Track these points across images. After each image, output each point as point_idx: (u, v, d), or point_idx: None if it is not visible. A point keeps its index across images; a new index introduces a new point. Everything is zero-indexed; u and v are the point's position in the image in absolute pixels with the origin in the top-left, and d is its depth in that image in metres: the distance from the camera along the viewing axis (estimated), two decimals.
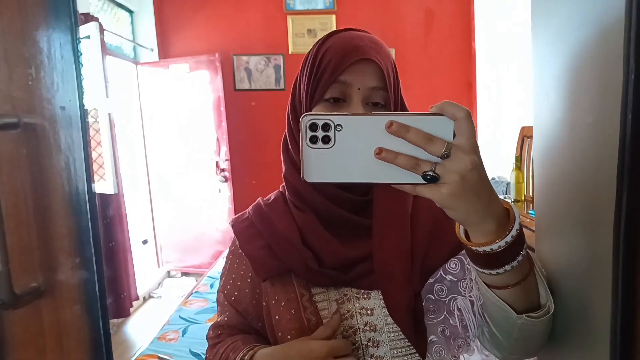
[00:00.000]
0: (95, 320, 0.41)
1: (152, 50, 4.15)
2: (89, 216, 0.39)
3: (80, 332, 0.41)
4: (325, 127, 0.50)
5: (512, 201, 2.76)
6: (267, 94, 4.29)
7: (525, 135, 2.98)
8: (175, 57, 4.15)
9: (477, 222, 0.51)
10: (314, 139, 0.50)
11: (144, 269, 4.11)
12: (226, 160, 4.03)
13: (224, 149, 4.01)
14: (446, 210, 0.51)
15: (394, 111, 0.70)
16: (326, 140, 0.50)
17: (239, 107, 4.22)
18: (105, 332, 0.41)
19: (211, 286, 2.83)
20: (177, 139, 4.11)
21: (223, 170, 4.04)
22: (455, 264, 0.68)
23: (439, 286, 0.69)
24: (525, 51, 2.81)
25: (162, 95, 4.09)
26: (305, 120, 0.50)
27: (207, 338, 0.82)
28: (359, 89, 0.67)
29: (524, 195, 2.76)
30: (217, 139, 4.03)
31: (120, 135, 3.31)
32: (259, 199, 0.81)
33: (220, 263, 3.28)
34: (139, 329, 3.37)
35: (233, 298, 0.80)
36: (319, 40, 0.72)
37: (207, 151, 4.05)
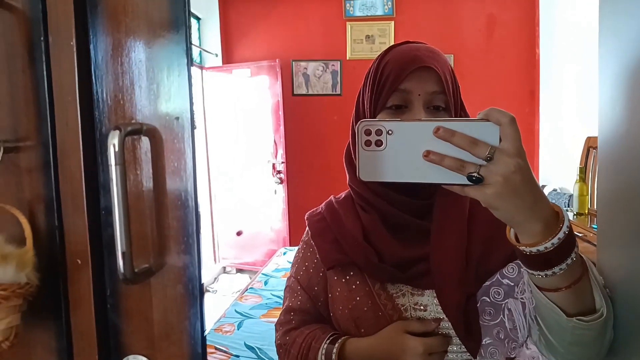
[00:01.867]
0: (194, 299, 0.48)
1: (216, 55, 4.36)
2: (194, 210, 0.46)
3: (181, 307, 0.48)
4: (378, 132, 0.55)
5: (574, 214, 2.66)
6: (323, 99, 4.38)
7: (591, 146, 2.86)
8: (238, 62, 4.34)
9: (523, 222, 0.53)
10: (368, 143, 0.56)
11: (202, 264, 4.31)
12: (282, 162, 4.15)
13: (281, 151, 4.14)
14: (492, 210, 0.54)
15: (454, 114, 0.75)
16: (379, 143, 0.55)
17: (296, 112, 4.33)
18: (201, 309, 0.48)
19: (265, 283, 2.94)
20: (237, 141, 4.29)
21: (279, 172, 4.17)
22: (513, 269, 0.71)
23: (496, 289, 0.71)
24: (592, 59, 2.70)
25: (225, 99, 4.28)
26: (360, 126, 0.56)
27: (277, 324, 0.87)
28: (419, 95, 0.71)
29: (588, 209, 2.64)
30: (275, 142, 4.16)
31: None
32: (332, 197, 0.88)
33: (275, 261, 3.40)
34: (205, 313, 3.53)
35: (306, 284, 0.85)
36: (379, 54, 0.78)
37: (265, 153, 4.20)
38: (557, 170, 3.46)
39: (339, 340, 0.76)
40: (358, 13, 4.25)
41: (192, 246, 0.47)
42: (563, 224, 0.53)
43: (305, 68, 4.39)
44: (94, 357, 0.49)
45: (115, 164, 0.42)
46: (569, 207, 2.99)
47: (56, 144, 0.47)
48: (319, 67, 4.38)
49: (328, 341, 0.76)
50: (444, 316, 0.73)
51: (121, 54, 0.45)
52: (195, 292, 0.47)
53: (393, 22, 4.20)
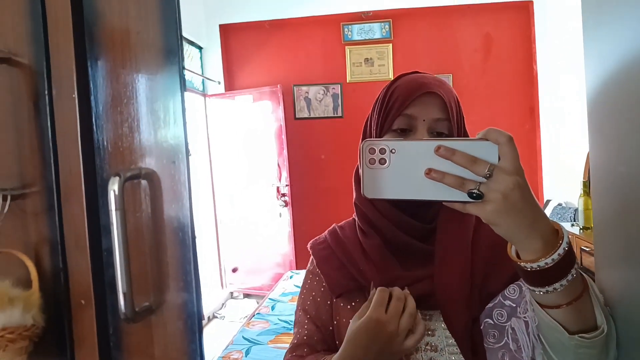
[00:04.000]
0: (193, 334, 0.50)
1: (219, 83, 4.44)
2: (191, 249, 0.48)
3: (182, 343, 0.50)
4: (382, 150, 0.58)
5: (580, 228, 2.65)
6: (325, 122, 4.43)
7: None
8: (240, 88, 4.42)
9: (523, 238, 0.55)
10: (372, 161, 0.58)
11: (209, 290, 4.31)
12: (286, 185, 4.18)
13: (285, 174, 4.17)
14: (492, 227, 0.55)
15: None
16: (382, 162, 0.58)
17: (299, 135, 4.38)
18: (201, 345, 0.50)
19: (272, 308, 2.93)
20: (241, 166, 4.33)
21: (284, 195, 4.19)
22: (514, 290, 0.71)
23: (499, 311, 0.72)
24: None
25: (228, 125, 4.35)
26: (365, 145, 0.59)
27: None
28: (423, 120, 0.74)
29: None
30: (279, 165, 4.20)
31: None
32: (334, 225, 0.89)
33: (281, 285, 3.38)
34: (204, 348, 3.51)
35: (314, 313, 0.84)
36: (390, 82, 0.81)
37: (269, 177, 4.23)
38: (561, 185, 3.46)
39: None
40: (356, 37, 4.33)
41: (191, 283, 0.49)
42: (562, 241, 0.54)
43: (307, 92, 4.45)
44: None
45: (116, 209, 0.44)
46: (574, 221, 2.97)
47: (60, 189, 0.49)
48: (320, 90, 4.44)
49: None
50: (452, 340, 0.72)
51: (120, 103, 0.48)
52: (194, 328, 0.49)
53: (391, 44, 4.27)
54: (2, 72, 0.49)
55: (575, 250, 0.57)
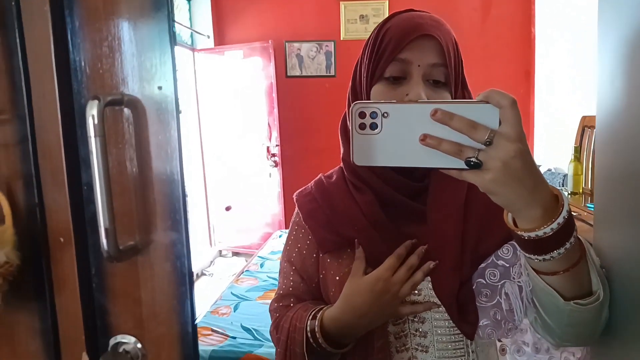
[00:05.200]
0: (182, 277, 0.46)
1: (208, 37, 4.28)
2: (180, 185, 0.44)
3: (169, 286, 0.46)
4: (373, 114, 0.53)
5: (569, 193, 2.66)
6: (318, 81, 4.33)
7: (586, 125, 2.85)
8: (230, 44, 4.26)
9: (522, 208, 0.52)
10: (362, 126, 0.54)
11: (198, 248, 4.31)
12: (277, 145, 4.12)
13: (275, 134, 4.10)
14: (490, 196, 0.53)
15: (455, 90, 0.72)
16: (374, 126, 0.54)
17: (290, 94, 4.28)
18: (191, 287, 0.47)
19: (261, 266, 2.94)
20: (231, 124, 4.25)
21: (274, 155, 4.14)
22: (508, 250, 0.69)
23: (491, 271, 0.70)
24: (588, 37, 2.67)
25: (217, 81, 4.22)
26: (354, 109, 0.54)
27: (270, 310, 0.84)
28: (418, 66, 0.68)
29: (582, 188, 2.65)
30: (269, 125, 4.12)
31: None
32: (321, 175, 0.85)
33: (270, 244, 3.39)
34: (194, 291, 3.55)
35: (300, 265, 0.82)
36: (381, 21, 0.74)
37: (259, 136, 4.16)
38: (552, 150, 3.46)
39: (319, 315, 0.73)
40: None
41: (180, 222, 0.45)
42: (563, 208, 0.52)
43: (299, 49, 4.32)
44: (81, 338, 0.47)
45: (95, 136, 0.39)
46: (563, 186, 2.99)
47: (33, 117, 0.44)
48: (312, 48, 4.31)
49: (310, 317, 0.73)
50: (437, 299, 0.72)
51: (99, 19, 0.42)
52: (184, 270, 0.46)
53: (387, 1, 4.13)
54: None
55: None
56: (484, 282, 0.71)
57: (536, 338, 0.73)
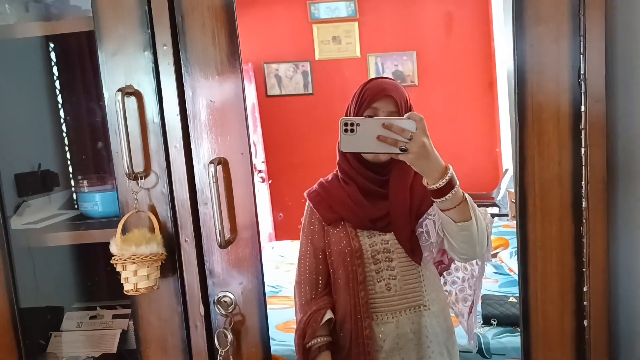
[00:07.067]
0: (256, 255, 0.71)
1: None
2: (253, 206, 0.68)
3: (250, 260, 0.71)
4: (352, 124, 0.97)
5: None
6: (296, 99, 4.57)
7: None
8: None
9: (428, 172, 1.01)
10: (346, 130, 0.97)
11: None
12: (262, 162, 4.33)
13: (260, 151, 4.32)
14: (412, 167, 1.00)
15: None
16: (352, 131, 0.97)
17: (272, 112, 4.52)
18: (261, 265, 0.72)
19: None
20: None
21: (260, 171, 4.35)
22: (432, 209, 1.15)
23: (426, 222, 1.18)
24: None
25: None
26: (342, 121, 0.98)
27: (295, 285, 1.27)
28: (383, 112, 1.16)
29: None
30: (254, 143, 4.34)
31: None
32: (321, 179, 1.31)
33: (265, 254, 3.58)
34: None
35: (315, 240, 1.25)
36: (363, 83, 1.20)
37: None
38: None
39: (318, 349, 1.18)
40: (323, 15, 4.46)
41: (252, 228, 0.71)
42: (448, 172, 1.00)
43: (277, 70, 4.57)
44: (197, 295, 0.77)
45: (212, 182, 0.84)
46: None
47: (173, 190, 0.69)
48: (289, 68, 4.56)
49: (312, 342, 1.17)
50: (398, 244, 1.19)
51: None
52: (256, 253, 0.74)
53: (357, 22, 4.43)
54: None
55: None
56: (422, 229, 1.19)
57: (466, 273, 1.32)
